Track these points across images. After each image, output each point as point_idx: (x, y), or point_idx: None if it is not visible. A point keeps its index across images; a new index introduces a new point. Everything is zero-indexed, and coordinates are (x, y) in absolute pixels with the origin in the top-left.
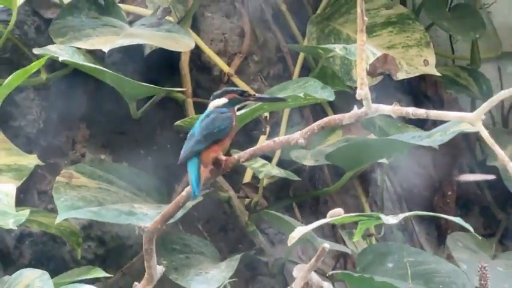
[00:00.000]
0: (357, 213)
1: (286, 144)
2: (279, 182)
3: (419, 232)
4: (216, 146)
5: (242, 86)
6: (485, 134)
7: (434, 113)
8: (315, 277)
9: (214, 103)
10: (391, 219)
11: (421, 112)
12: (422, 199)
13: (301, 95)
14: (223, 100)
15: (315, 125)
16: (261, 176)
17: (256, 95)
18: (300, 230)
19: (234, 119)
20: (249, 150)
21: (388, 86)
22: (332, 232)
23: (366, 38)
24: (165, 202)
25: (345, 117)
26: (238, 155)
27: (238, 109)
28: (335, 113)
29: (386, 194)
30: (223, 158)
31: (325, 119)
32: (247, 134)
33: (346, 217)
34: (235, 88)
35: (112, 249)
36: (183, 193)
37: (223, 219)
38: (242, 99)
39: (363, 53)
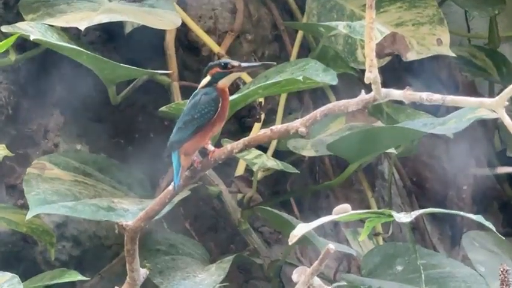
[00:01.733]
0: (366, 210)
1: (285, 134)
2: (275, 175)
3: (431, 231)
4: (201, 133)
5: None
6: (508, 122)
7: (451, 99)
8: (317, 282)
9: (201, 82)
10: (403, 218)
11: (436, 98)
12: (435, 194)
13: (300, 78)
14: (207, 78)
15: (318, 112)
16: (255, 169)
17: (242, 64)
18: (302, 228)
19: (220, 100)
20: (243, 140)
21: (396, 68)
22: (334, 231)
23: (374, 16)
24: (148, 197)
25: (351, 104)
26: (230, 146)
27: (231, 91)
28: (338, 98)
29: (394, 189)
30: (212, 148)
31: (329, 105)
32: (239, 122)
33: (354, 214)
34: (217, 61)
35: (89, 250)
36: (170, 187)
37: (213, 217)
38: (226, 72)
39: (372, 31)
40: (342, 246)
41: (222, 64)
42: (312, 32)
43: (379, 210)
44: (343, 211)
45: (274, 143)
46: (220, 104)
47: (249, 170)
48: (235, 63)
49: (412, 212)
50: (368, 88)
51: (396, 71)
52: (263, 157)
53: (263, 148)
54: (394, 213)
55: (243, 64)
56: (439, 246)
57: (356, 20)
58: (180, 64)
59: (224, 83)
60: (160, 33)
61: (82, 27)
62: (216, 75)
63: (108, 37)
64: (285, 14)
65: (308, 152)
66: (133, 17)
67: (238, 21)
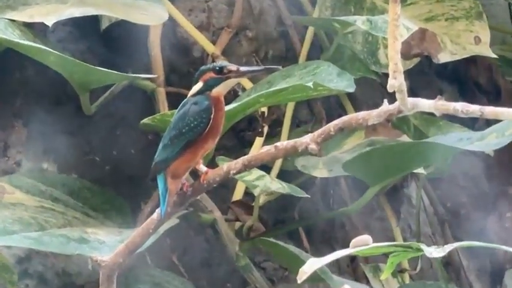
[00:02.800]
0: (390, 243)
1: (292, 152)
2: (280, 200)
3: (468, 267)
4: (190, 151)
5: None
6: None
7: (491, 111)
8: None
9: (191, 90)
10: (434, 252)
11: (473, 109)
12: (473, 222)
13: (310, 84)
14: (199, 85)
15: (331, 125)
16: (256, 192)
17: (240, 68)
18: (314, 263)
19: (213, 110)
20: (242, 160)
21: (425, 72)
22: (351, 266)
23: (400, 10)
24: (128, 226)
25: (372, 116)
26: (227, 166)
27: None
28: (356, 107)
29: (423, 216)
30: (204, 169)
31: (345, 118)
32: (238, 136)
33: (376, 248)
34: (211, 64)
35: None
36: (154, 215)
37: (206, 250)
38: (221, 77)
39: (396, 29)
40: (361, 285)
41: (217, 68)
42: (325, 28)
43: (406, 243)
44: (362, 243)
45: (279, 162)
46: (212, 115)
47: (249, 194)
48: (233, 67)
49: (446, 246)
50: (392, 96)
51: (426, 75)
52: (266, 178)
53: (266, 168)
54: (423, 246)
55: (242, 68)
56: (477, 284)
57: (378, 13)
58: (167, 67)
59: (219, 91)
60: (144, 30)
61: (49, 23)
62: (209, 81)
63: (80, 34)
64: (292, 7)
65: (320, 173)
66: (110, 10)
67: (236, 15)
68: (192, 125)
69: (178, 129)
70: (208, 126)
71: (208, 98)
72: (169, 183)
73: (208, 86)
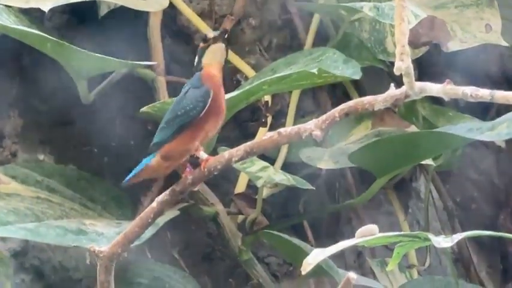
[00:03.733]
0: (397, 233)
1: (296, 138)
2: (284, 193)
3: (478, 263)
4: (186, 134)
5: (234, 59)
6: None
7: (502, 95)
8: None
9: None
10: (443, 242)
11: (483, 93)
12: (483, 217)
13: (315, 70)
14: (197, 58)
15: (336, 110)
16: (259, 184)
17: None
18: (318, 255)
19: (211, 93)
20: (244, 146)
21: (434, 62)
22: (358, 261)
23: None
24: (127, 218)
25: (378, 101)
26: (228, 153)
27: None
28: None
29: (432, 211)
30: (204, 156)
31: (350, 103)
32: (241, 127)
33: (382, 237)
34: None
35: (54, 285)
36: (153, 204)
37: (208, 244)
38: (204, 46)
39: (403, 10)
40: (367, 279)
41: (203, 38)
42: (331, 15)
43: (413, 233)
44: (368, 233)
45: (283, 153)
46: (210, 99)
47: (252, 187)
48: (211, 33)
49: (454, 235)
50: (400, 84)
51: (434, 65)
52: (270, 170)
53: (270, 160)
54: (431, 236)
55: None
56: (488, 281)
57: (385, 0)
58: (168, 55)
59: (207, 62)
60: (143, 17)
61: (46, 9)
62: (199, 51)
63: (78, 21)
64: None
65: (325, 164)
66: None
67: (239, 2)
68: (188, 107)
69: (175, 112)
70: (205, 109)
71: (203, 77)
72: (154, 161)
73: (199, 58)
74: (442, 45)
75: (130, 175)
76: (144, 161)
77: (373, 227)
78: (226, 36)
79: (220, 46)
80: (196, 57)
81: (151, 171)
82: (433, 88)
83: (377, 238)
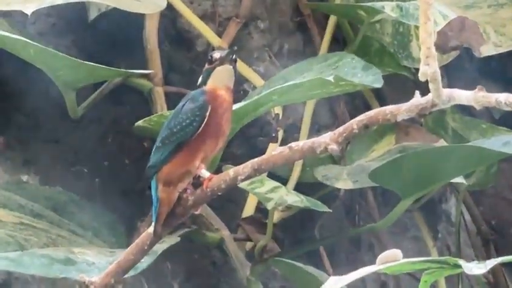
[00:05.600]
0: (423, 258)
1: (310, 154)
2: (298, 216)
3: None
4: (184, 153)
5: (241, 67)
6: None
7: None
8: None
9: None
10: (475, 268)
11: None
12: None
13: (331, 78)
14: (201, 79)
15: (355, 122)
16: (269, 207)
17: (222, 54)
18: (335, 283)
19: (208, 106)
20: (251, 163)
21: (465, 68)
22: None
23: None
24: (121, 246)
25: (401, 110)
26: (233, 171)
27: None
28: None
29: (464, 236)
30: (207, 174)
31: (370, 113)
32: (248, 143)
33: (406, 263)
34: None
35: None
36: (150, 229)
37: (213, 274)
38: (210, 68)
39: (428, 8)
40: None
41: (209, 58)
42: (349, 17)
43: (442, 258)
44: (391, 259)
45: (296, 171)
46: (208, 113)
47: (262, 209)
48: (217, 54)
49: (488, 261)
50: (427, 93)
51: (465, 72)
52: (281, 190)
53: (282, 179)
54: (462, 262)
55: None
56: None
57: None
58: (166, 63)
59: (212, 83)
60: (139, 20)
61: (28, 11)
62: (204, 73)
63: (65, 25)
64: None
65: (344, 184)
66: None
67: (246, 3)
68: (184, 123)
69: (170, 129)
70: (203, 125)
71: (204, 92)
72: (161, 191)
73: (204, 79)
74: (474, 50)
75: (154, 221)
76: (154, 196)
77: (397, 252)
78: (234, 56)
79: (227, 68)
80: (200, 79)
81: (167, 203)
82: (463, 96)
83: (401, 264)
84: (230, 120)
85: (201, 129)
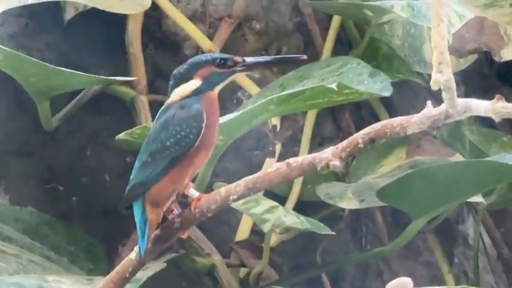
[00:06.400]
0: (438, 287)
1: (310, 170)
2: (298, 240)
3: None
4: (176, 170)
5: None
6: None
7: None
8: None
9: (179, 91)
10: None
11: None
12: None
13: (334, 86)
14: (195, 83)
15: (360, 135)
16: (266, 229)
17: (247, 59)
18: None
19: (204, 116)
20: (245, 181)
21: (484, 74)
22: None
23: None
24: (100, 273)
25: (412, 122)
26: (225, 189)
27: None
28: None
29: (484, 260)
30: (195, 193)
31: (377, 125)
32: (242, 157)
33: None
34: (209, 55)
35: None
36: (131, 255)
37: None
38: (227, 72)
39: (441, 7)
40: None
41: (219, 60)
42: (355, 17)
43: (458, 287)
44: (401, 287)
45: (296, 189)
46: (204, 123)
47: (257, 232)
48: (238, 58)
49: None
50: (440, 102)
51: (485, 78)
52: (279, 211)
53: (280, 198)
54: None
55: (250, 60)
56: None
57: None
58: (150, 69)
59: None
60: (120, 21)
61: None
62: (210, 77)
63: (38, 27)
64: None
65: (349, 203)
66: None
67: (239, 1)
68: (178, 136)
69: (161, 142)
70: (200, 137)
71: (199, 100)
72: (149, 213)
73: (210, 84)
74: (494, 53)
75: (143, 245)
76: (139, 219)
77: (407, 280)
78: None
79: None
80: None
81: (156, 225)
82: (480, 106)
83: None
84: (218, 120)
85: (198, 141)
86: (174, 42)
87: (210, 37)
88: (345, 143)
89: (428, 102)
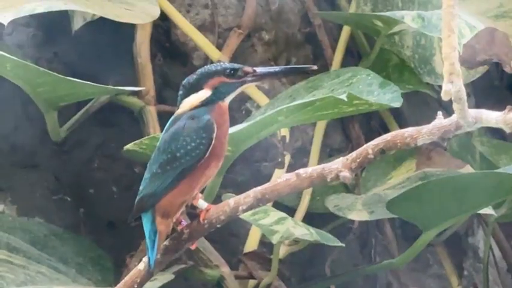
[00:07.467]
0: None
1: (319, 181)
2: (307, 251)
3: None
4: (187, 181)
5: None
6: None
7: None
8: None
9: (188, 102)
10: None
11: None
12: None
13: (344, 97)
14: (205, 93)
15: (369, 146)
16: (275, 240)
17: (257, 69)
18: None
19: (214, 127)
20: (254, 192)
21: (494, 85)
22: None
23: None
24: (108, 284)
25: (422, 133)
26: (234, 200)
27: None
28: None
29: (494, 273)
30: (204, 204)
31: (387, 136)
32: (251, 168)
33: None
34: (218, 65)
35: None
36: (140, 266)
37: None
38: (237, 82)
39: (452, 18)
40: None
41: (229, 71)
42: (364, 27)
43: None
44: None
45: (305, 201)
46: (215, 134)
47: (266, 244)
48: (248, 68)
49: None
50: (451, 113)
51: (495, 90)
52: (288, 222)
53: (289, 209)
54: None
55: (261, 70)
56: None
57: (433, 8)
58: (159, 78)
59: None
60: (129, 31)
61: (5, 21)
62: (221, 87)
63: (46, 37)
64: (322, 2)
65: (358, 215)
66: (85, 4)
67: (249, 12)
68: (188, 147)
69: (171, 153)
70: (210, 149)
71: (209, 110)
72: (159, 224)
73: (220, 94)
74: (504, 65)
75: (153, 256)
76: (149, 230)
77: None
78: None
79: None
80: (210, 91)
81: (164, 237)
82: (491, 117)
83: None
84: (228, 130)
85: (208, 152)
86: (183, 52)
87: (219, 47)
88: (354, 154)
89: (439, 113)
